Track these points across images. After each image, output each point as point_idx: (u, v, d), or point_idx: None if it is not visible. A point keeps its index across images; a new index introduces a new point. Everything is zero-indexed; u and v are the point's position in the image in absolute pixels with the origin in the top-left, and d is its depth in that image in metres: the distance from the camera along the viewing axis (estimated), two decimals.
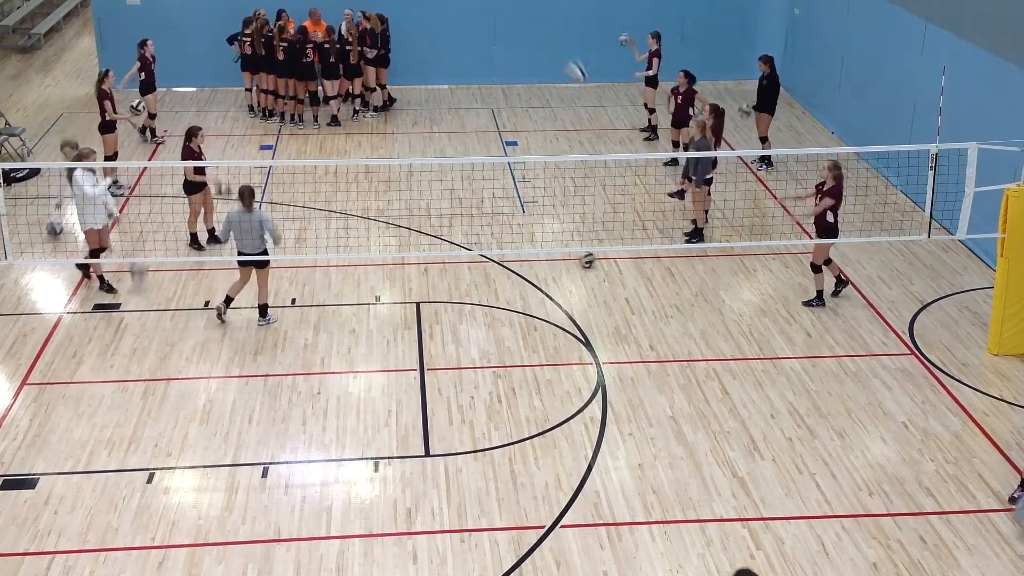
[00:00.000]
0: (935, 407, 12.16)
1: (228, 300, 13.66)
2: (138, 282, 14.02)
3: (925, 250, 15.82)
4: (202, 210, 15.63)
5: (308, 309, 14.15)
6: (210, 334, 13.46)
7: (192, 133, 15.31)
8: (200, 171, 15.31)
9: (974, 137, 13.22)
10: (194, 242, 15.62)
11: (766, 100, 18.98)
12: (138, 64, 19.38)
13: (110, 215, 14.13)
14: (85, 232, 14.22)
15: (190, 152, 15.24)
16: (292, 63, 20.62)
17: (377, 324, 13.79)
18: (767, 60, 19.01)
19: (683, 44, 22.76)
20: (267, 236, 13.33)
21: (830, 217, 13.90)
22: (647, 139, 20.45)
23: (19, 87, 23.48)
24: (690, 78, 18.25)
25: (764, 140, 19.23)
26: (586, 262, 15.27)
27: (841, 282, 14.50)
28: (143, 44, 19.51)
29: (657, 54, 19.84)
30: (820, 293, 14.25)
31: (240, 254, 13.38)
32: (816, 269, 14.18)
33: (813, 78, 22.17)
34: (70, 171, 13.93)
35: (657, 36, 19.97)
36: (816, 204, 14.00)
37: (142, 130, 19.91)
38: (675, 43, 22.48)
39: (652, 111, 20.38)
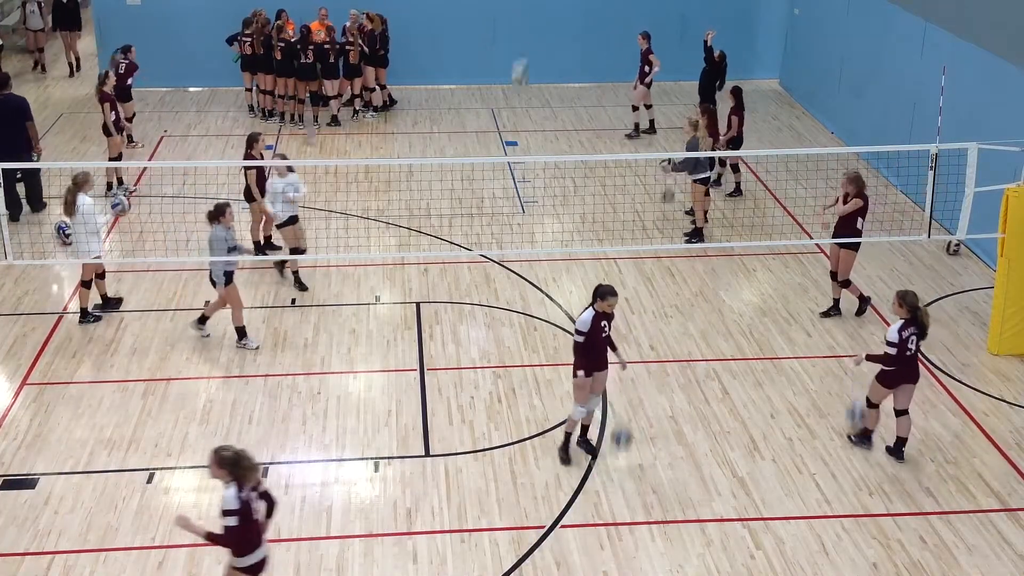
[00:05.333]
0: (935, 407, 12.15)
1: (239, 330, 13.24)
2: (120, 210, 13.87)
3: (925, 250, 15.82)
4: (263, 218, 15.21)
5: (308, 309, 14.15)
6: (210, 334, 13.45)
7: (253, 139, 14.73)
8: (260, 180, 14.97)
9: (974, 137, 13.23)
10: (257, 250, 15.28)
11: (707, 88, 19.17)
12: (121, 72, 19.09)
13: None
14: (84, 265, 13.55)
15: (252, 160, 14.84)
16: (291, 63, 20.63)
17: (377, 324, 13.79)
18: (719, 53, 19.28)
19: (682, 44, 22.76)
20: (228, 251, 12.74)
21: (859, 224, 13.53)
22: (630, 136, 20.61)
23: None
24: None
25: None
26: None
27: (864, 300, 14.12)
28: (127, 50, 19.44)
29: (650, 51, 20.02)
30: (837, 302, 14.00)
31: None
32: (845, 284, 13.91)
33: (813, 78, 22.18)
34: (72, 200, 13.15)
35: (647, 36, 20.10)
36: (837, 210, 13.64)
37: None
38: (674, 43, 22.51)
39: (648, 107, 20.50)
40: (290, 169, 14.45)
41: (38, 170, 16.59)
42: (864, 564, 9.78)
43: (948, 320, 14.02)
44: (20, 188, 16.72)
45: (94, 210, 13.43)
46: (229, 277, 12.93)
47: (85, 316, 13.76)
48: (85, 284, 13.71)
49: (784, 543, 10.02)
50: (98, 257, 13.53)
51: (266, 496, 8.29)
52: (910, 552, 9.93)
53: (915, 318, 10.70)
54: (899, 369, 10.80)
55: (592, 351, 10.62)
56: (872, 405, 11.16)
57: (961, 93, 15.60)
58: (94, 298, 13.91)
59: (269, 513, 8.33)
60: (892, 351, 10.69)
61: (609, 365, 10.95)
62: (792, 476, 10.95)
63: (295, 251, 14.44)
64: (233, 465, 7.97)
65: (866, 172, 18.27)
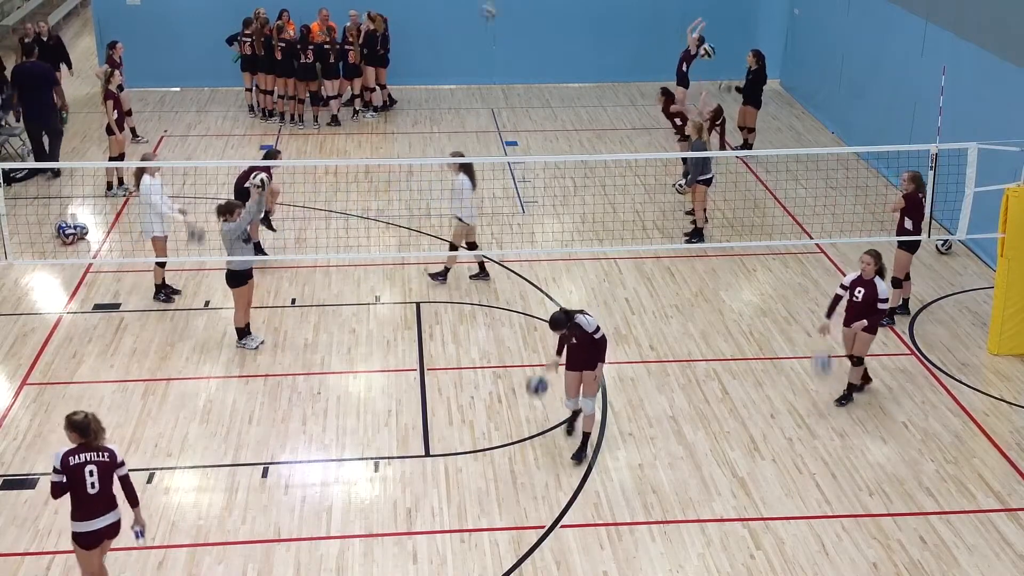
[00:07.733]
0: (935, 407, 12.16)
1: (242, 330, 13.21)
2: (197, 242, 13.79)
3: (925, 250, 15.80)
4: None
5: (308, 309, 14.15)
6: (210, 334, 13.46)
7: (273, 156, 15.45)
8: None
9: (974, 137, 13.22)
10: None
11: (752, 93, 19.34)
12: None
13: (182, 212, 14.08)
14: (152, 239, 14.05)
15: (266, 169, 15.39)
16: (291, 63, 20.64)
17: (377, 324, 13.79)
18: (755, 54, 19.37)
19: (682, 44, 22.74)
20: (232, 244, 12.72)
21: (908, 224, 13.50)
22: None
23: None
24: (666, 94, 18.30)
25: (751, 131, 19.61)
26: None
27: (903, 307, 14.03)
28: (112, 46, 19.50)
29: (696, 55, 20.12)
30: (895, 307, 13.76)
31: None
32: (896, 283, 13.78)
33: (813, 78, 22.18)
34: (138, 180, 13.84)
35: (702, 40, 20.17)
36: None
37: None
38: (675, 43, 22.49)
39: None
40: (463, 167, 14.22)
41: (60, 133, 18.74)
42: (864, 564, 9.78)
43: (948, 320, 14.02)
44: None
45: (160, 190, 13.82)
46: (239, 278, 12.81)
47: (158, 293, 14.22)
48: (159, 263, 14.13)
49: (784, 543, 10.02)
50: (161, 236, 13.93)
51: (125, 482, 8.69)
52: (910, 552, 9.93)
53: (881, 269, 11.85)
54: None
55: (565, 349, 11.11)
56: (860, 361, 12.13)
57: (961, 93, 15.59)
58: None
59: (132, 502, 8.77)
60: (887, 305, 11.90)
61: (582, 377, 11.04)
62: (792, 476, 10.95)
63: (471, 246, 14.67)
64: (83, 428, 8.55)
65: (866, 172, 18.33)
